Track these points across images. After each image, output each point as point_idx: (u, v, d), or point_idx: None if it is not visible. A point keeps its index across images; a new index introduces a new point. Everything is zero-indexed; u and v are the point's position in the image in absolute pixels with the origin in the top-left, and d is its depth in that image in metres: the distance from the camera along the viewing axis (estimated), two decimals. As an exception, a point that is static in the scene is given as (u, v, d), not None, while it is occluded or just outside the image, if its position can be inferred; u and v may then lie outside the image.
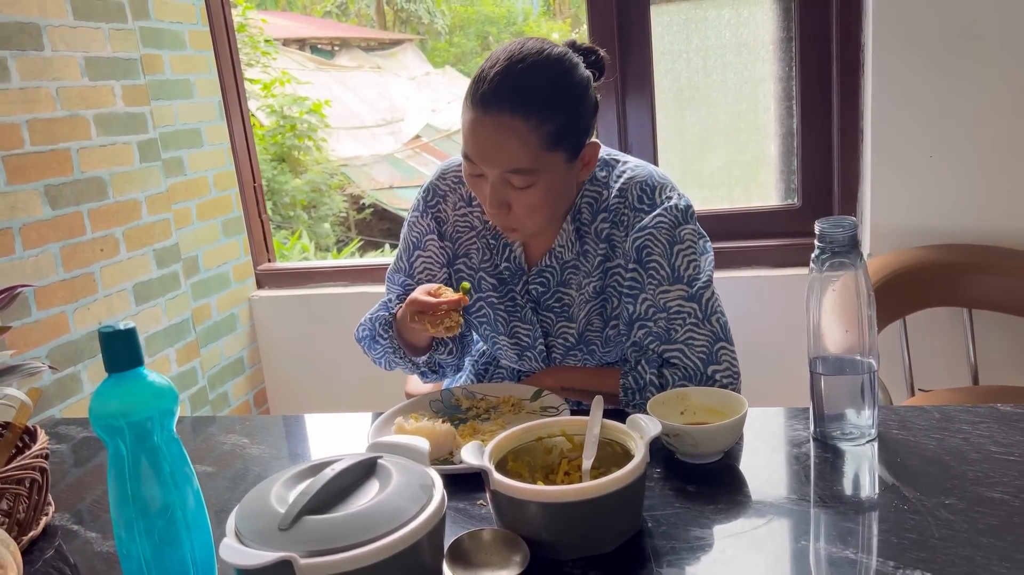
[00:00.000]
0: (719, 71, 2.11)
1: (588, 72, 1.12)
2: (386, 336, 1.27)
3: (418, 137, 7.72)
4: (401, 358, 1.29)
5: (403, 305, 1.20)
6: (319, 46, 8.53)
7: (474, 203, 1.26)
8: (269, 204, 5.78)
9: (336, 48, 8.69)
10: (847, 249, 0.94)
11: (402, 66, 8.89)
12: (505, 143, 1.06)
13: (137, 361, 0.75)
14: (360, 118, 7.70)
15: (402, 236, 1.34)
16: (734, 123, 2.15)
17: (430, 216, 1.29)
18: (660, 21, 2.09)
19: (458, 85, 8.60)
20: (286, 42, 7.71)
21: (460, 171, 1.26)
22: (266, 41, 6.23)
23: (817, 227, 0.95)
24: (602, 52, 1.16)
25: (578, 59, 1.11)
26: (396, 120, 7.90)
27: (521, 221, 1.13)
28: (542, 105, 1.05)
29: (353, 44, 8.81)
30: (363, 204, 6.79)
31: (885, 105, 1.87)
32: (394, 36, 9.57)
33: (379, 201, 6.72)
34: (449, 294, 1.15)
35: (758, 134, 2.14)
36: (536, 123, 1.05)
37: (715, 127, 2.16)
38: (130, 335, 0.74)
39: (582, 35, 2.20)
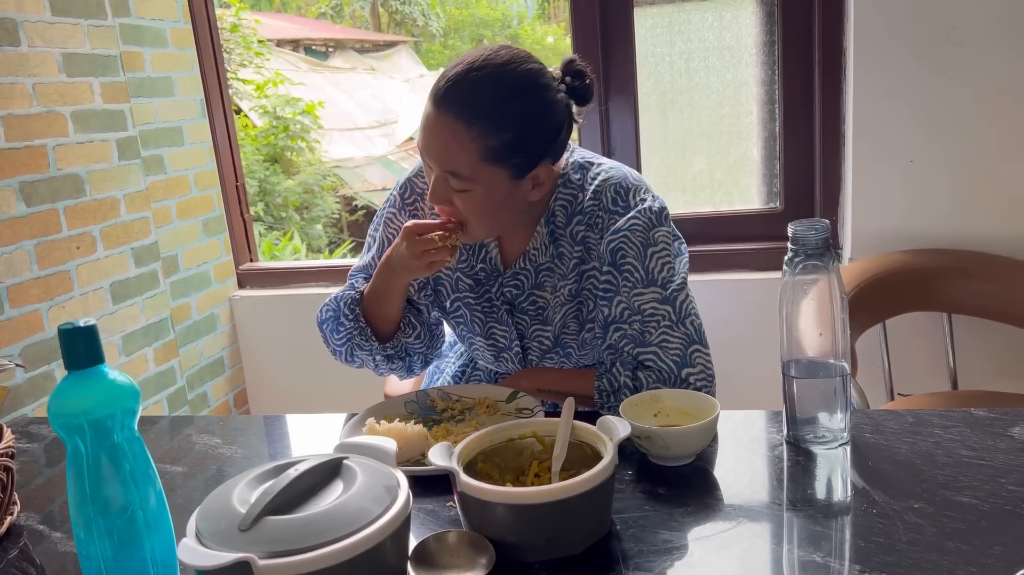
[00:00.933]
0: (702, 74, 2.11)
1: (561, 96, 1.10)
2: (351, 316, 1.22)
3: (411, 139, 7.71)
4: (365, 340, 1.23)
5: (396, 241, 1.16)
6: (313, 47, 8.52)
7: None
8: (261, 205, 5.76)
9: (330, 49, 8.67)
10: (820, 252, 0.94)
11: (396, 68, 8.89)
12: (446, 144, 1.06)
13: (97, 359, 0.74)
14: (353, 120, 7.69)
15: (373, 233, 1.31)
16: (717, 126, 2.15)
17: (407, 213, 1.27)
18: (643, 23, 2.09)
19: (451, 87, 8.61)
20: (280, 43, 7.70)
21: None
22: (259, 42, 6.22)
23: (790, 230, 0.95)
24: (589, 80, 1.13)
25: (554, 81, 1.10)
26: (390, 122, 7.90)
27: (466, 219, 1.12)
28: (487, 118, 1.05)
29: (347, 46, 8.79)
30: (356, 206, 6.77)
31: (867, 110, 1.88)
32: (388, 38, 9.56)
33: (372, 203, 6.72)
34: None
35: (741, 137, 2.15)
36: (477, 134, 1.04)
37: (698, 130, 2.16)
38: (90, 332, 0.74)
39: (567, 37, 2.19)
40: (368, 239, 1.33)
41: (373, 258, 1.28)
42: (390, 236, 1.28)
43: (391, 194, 1.30)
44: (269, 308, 2.46)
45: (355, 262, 1.34)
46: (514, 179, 1.10)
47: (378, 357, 1.25)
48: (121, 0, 2.06)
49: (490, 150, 1.05)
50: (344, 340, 1.25)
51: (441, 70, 1.09)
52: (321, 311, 1.28)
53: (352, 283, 1.28)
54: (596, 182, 1.18)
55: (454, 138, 1.05)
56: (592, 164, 1.22)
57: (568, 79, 1.12)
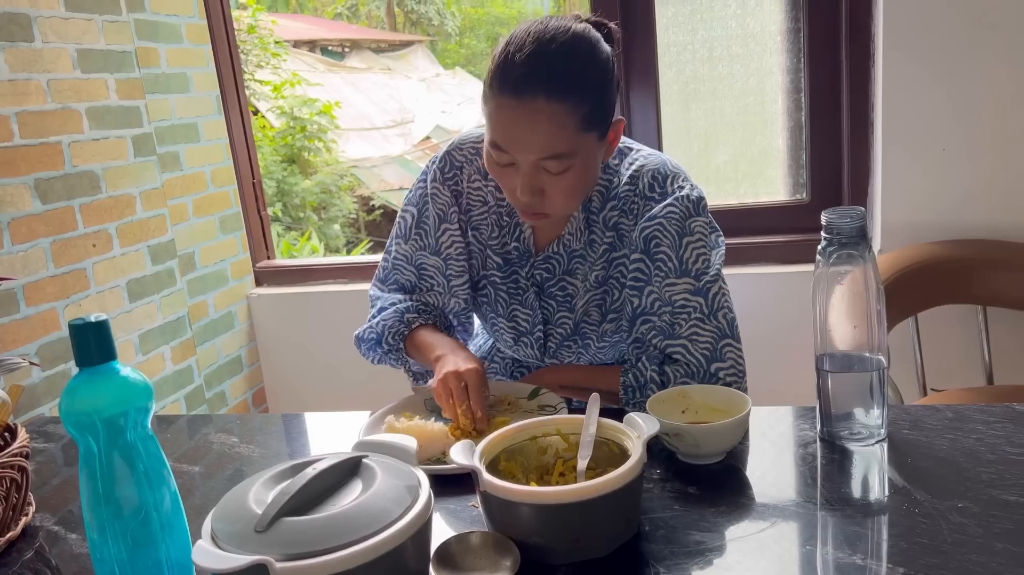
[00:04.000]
0: (725, 63, 2.07)
1: (608, 47, 1.08)
2: (393, 347, 1.23)
3: (428, 138, 7.72)
4: (400, 365, 1.26)
5: (450, 371, 1.08)
6: (329, 48, 8.56)
7: (489, 177, 1.21)
8: (279, 205, 5.78)
9: (346, 50, 8.70)
10: (855, 241, 0.90)
11: (412, 68, 8.91)
12: (542, 128, 1.01)
13: (109, 355, 0.73)
14: (370, 119, 7.71)
15: (410, 212, 1.27)
16: (741, 116, 2.11)
17: (448, 188, 1.23)
18: (665, 12, 2.05)
19: (468, 86, 8.61)
20: (296, 44, 7.74)
21: (477, 143, 1.22)
22: (276, 43, 6.25)
23: (824, 218, 0.91)
24: (612, 25, 1.11)
25: (597, 35, 1.07)
26: (406, 121, 7.91)
27: (554, 206, 1.08)
28: (577, 87, 1.01)
29: (363, 46, 8.82)
30: (373, 205, 6.79)
31: (897, 97, 1.83)
32: (404, 38, 9.59)
33: (389, 202, 6.73)
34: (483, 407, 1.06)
35: (766, 127, 2.10)
36: (573, 105, 1.00)
37: (721, 120, 2.12)
38: (101, 328, 0.72)
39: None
40: (403, 216, 1.28)
41: (420, 237, 1.25)
42: (439, 212, 1.23)
43: (430, 168, 1.25)
44: (287, 306, 2.45)
45: (393, 248, 1.29)
46: (601, 140, 1.08)
47: (408, 373, 1.29)
48: (136, -4, 2.05)
49: (585, 117, 1.02)
50: (378, 359, 1.28)
51: (496, 62, 1.03)
52: (363, 331, 1.28)
53: (403, 309, 1.25)
54: (633, 167, 1.15)
55: (552, 118, 1.00)
56: (631, 150, 1.19)
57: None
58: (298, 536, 0.66)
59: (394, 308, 1.25)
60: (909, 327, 1.80)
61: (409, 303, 1.26)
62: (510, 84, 1.01)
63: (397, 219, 1.29)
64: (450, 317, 1.28)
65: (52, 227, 1.76)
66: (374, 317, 1.27)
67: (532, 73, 1.00)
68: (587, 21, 1.09)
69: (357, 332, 1.29)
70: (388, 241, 1.31)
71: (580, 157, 1.04)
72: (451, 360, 1.10)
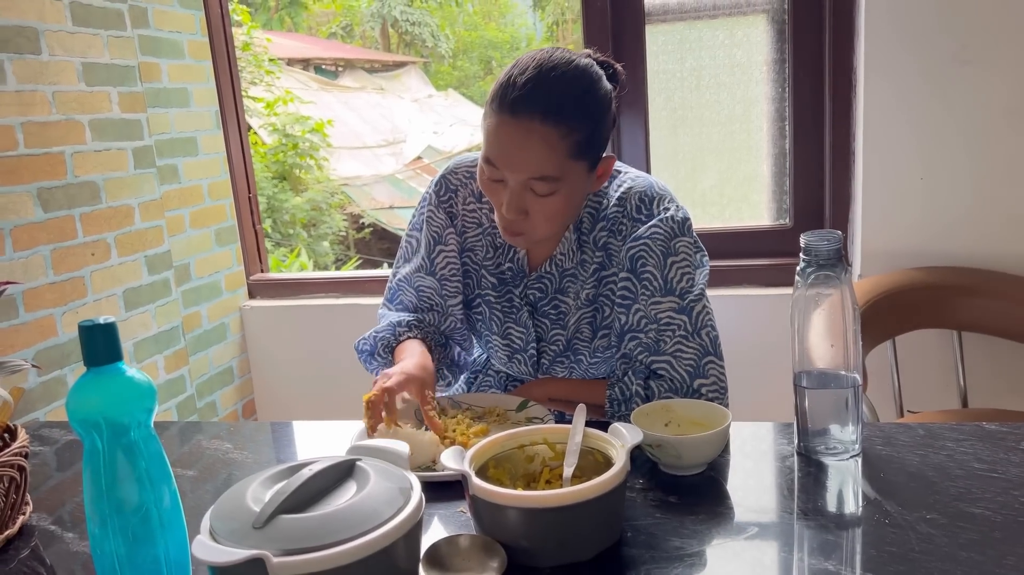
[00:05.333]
0: (712, 91, 2.13)
1: (609, 86, 1.12)
2: (384, 358, 1.27)
3: (419, 158, 7.76)
4: None
5: (401, 371, 1.10)
6: (323, 66, 8.60)
7: (483, 200, 1.25)
8: (269, 222, 5.79)
9: (340, 69, 8.75)
10: (832, 262, 0.94)
11: (405, 88, 8.96)
12: (533, 149, 1.05)
13: (116, 356, 0.75)
14: (362, 138, 7.75)
15: (415, 233, 1.31)
16: (727, 143, 2.16)
17: (443, 211, 1.27)
18: (655, 40, 2.11)
19: (460, 108, 8.67)
20: (290, 62, 7.78)
21: (472, 167, 1.26)
22: (270, 60, 6.28)
23: (802, 240, 0.95)
24: (618, 66, 1.16)
25: (600, 72, 1.11)
26: (398, 141, 7.95)
27: (533, 228, 1.11)
28: (573, 114, 1.05)
29: (357, 65, 8.87)
30: (363, 223, 6.81)
31: (877, 128, 1.88)
32: (398, 58, 9.65)
33: (379, 221, 6.75)
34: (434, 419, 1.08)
35: (751, 154, 2.16)
36: (566, 131, 1.05)
37: (708, 146, 2.17)
38: (109, 329, 0.74)
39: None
40: (408, 241, 1.33)
41: (420, 259, 1.29)
42: (435, 235, 1.27)
43: (427, 192, 1.30)
44: (279, 319, 2.47)
45: (398, 271, 1.33)
46: (590, 172, 1.11)
47: None
48: (140, 12, 2.09)
49: (576, 145, 1.06)
50: (374, 370, 1.31)
51: (499, 83, 1.07)
52: (361, 342, 1.31)
53: (395, 322, 1.28)
54: (621, 189, 1.19)
55: (543, 141, 1.04)
56: (619, 172, 1.23)
57: (602, 69, 1.14)
58: (294, 532, 0.69)
59: (390, 321, 1.29)
60: (887, 350, 1.84)
61: (408, 318, 1.29)
62: (508, 103, 1.05)
63: (402, 243, 1.34)
64: (448, 336, 1.32)
65: (53, 235, 1.79)
66: (375, 330, 1.31)
67: (530, 95, 1.04)
68: (595, 59, 1.13)
69: (356, 343, 1.32)
70: (394, 264, 1.36)
71: (567, 183, 1.08)
72: (394, 371, 1.10)
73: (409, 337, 1.26)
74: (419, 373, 1.11)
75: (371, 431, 1.05)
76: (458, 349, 1.36)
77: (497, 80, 1.09)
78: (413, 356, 1.16)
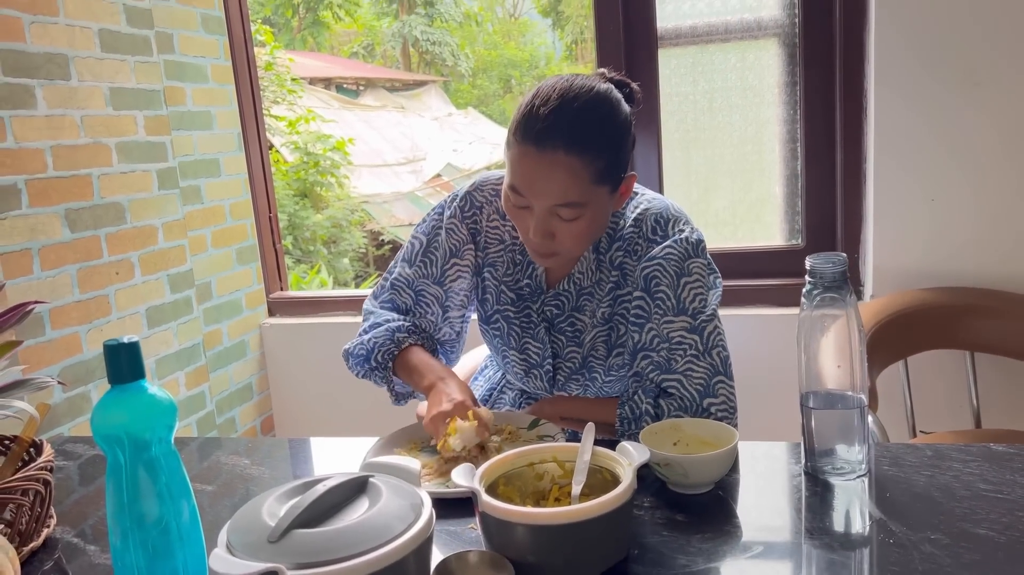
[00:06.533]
0: (725, 113, 2.15)
1: (628, 108, 1.15)
2: (381, 367, 1.26)
3: (439, 176, 7.83)
4: (384, 384, 1.29)
5: (438, 412, 1.11)
6: (345, 85, 8.71)
7: (506, 218, 1.28)
8: (290, 239, 5.86)
9: (361, 88, 8.86)
10: (838, 285, 0.95)
11: (425, 107, 9.05)
12: (558, 178, 1.08)
13: (139, 374, 0.77)
14: (382, 156, 7.82)
15: (419, 239, 1.32)
16: (739, 164, 2.17)
17: (466, 226, 1.30)
18: (667, 63, 2.13)
19: (480, 126, 8.75)
20: (312, 81, 7.89)
21: (497, 185, 1.29)
22: (293, 80, 6.38)
23: (808, 263, 0.97)
24: (634, 85, 1.19)
25: (619, 95, 1.14)
26: (418, 159, 8.02)
27: (564, 247, 1.14)
28: (596, 142, 1.08)
29: (378, 84, 8.98)
30: (382, 240, 6.87)
31: (888, 149, 1.89)
32: (418, 77, 9.76)
33: (398, 237, 6.80)
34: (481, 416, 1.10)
35: (763, 175, 2.17)
36: (589, 159, 1.08)
37: (720, 167, 2.19)
38: (133, 348, 0.77)
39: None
40: (412, 242, 1.33)
41: (425, 264, 1.30)
42: (452, 246, 1.29)
43: (452, 205, 1.31)
44: (298, 336, 2.51)
45: (396, 269, 1.34)
46: (613, 193, 1.14)
47: (391, 393, 1.31)
48: (166, 38, 2.15)
49: (599, 171, 1.09)
50: (363, 374, 1.31)
51: (521, 113, 1.10)
52: (353, 346, 1.31)
53: (394, 328, 1.28)
54: (638, 211, 1.22)
55: (568, 170, 1.07)
56: (636, 194, 1.26)
57: (618, 89, 1.16)
58: (308, 547, 0.71)
59: (386, 326, 1.29)
60: (899, 371, 1.84)
61: (401, 323, 1.29)
62: (533, 134, 1.08)
63: (406, 244, 1.35)
64: (440, 344, 1.34)
65: (79, 255, 1.83)
66: (365, 332, 1.31)
67: (554, 127, 1.07)
68: (611, 80, 1.16)
69: (347, 347, 1.33)
70: (392, 262, 1.36)
71: (591, 207, 1.11)
72: (441, 396, 1.13)
73: (410, 344, 1.27)
74: (463, 397, 1.13)
75: (445, 447, 1.08)
76: (444, 360, 1.36)
77: (519, 109, 1.11)
78: (450, 378, 1.18)
